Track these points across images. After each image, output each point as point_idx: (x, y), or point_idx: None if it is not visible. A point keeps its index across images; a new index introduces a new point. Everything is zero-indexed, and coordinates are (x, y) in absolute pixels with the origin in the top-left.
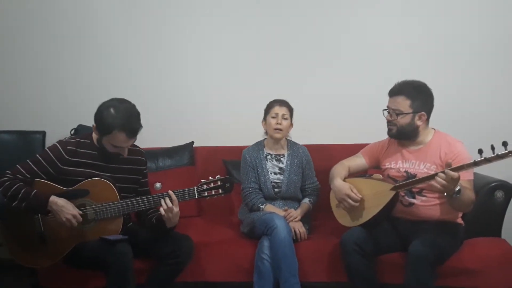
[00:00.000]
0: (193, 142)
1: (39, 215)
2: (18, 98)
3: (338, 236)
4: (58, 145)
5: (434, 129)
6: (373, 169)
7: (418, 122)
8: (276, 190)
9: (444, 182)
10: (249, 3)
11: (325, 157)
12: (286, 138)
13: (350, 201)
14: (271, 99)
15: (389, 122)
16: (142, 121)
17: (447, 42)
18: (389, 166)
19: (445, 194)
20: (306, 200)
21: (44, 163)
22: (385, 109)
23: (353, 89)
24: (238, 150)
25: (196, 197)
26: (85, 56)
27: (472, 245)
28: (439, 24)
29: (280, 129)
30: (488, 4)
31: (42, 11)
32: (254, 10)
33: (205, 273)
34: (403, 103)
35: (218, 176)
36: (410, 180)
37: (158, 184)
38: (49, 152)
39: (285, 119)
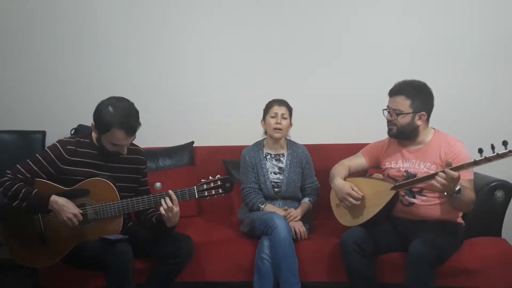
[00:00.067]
0: (193, 142)
1: (39, 215)
2: (18, 98)
3: (338, 236)
4: (58, 145)
5: (434, 128)
6: (373, 169)
7: (418, 122)
8: (276, 189)
9: (444, 181)
10: (249, 3)
11: (325, 157)
12: (285, 138)
13: (351, 199)
14: (271, 99)
15: (389, 122)
16: (142, 121)
17: (447, 42)
18: (389, 166)
19: (445, 193)
20: (306, 199)
21: (44, 162)
22: (385, 109)
23: (353, 89)
24: (238, 150)
25: (196, 196)
26: (85, 56)
27: (472, 245)
28: (439, 24)
29: (280, 129)
30: (488, 4)
31: (42, 11)
32: (254, 10)
33: (205, 273)
34: (403, 103)
35: (218, 176)
36: (410, 180)
37: (158, 184)
38: (49, 151)
39: (285, 118)
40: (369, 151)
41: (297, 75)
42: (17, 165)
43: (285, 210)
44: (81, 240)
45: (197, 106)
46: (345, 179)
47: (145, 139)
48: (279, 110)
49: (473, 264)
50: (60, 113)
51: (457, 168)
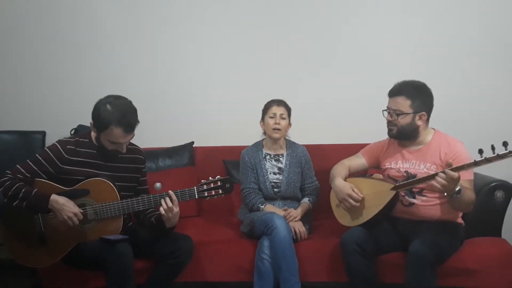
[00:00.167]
0: (193, 142)
1: (39, 215)
2: (18, 98)
3: (338, 236)
4: (58, 145)
5: (434, 129)
6: (373, 169)
7: (419, 122)
8: (275, 190)
9: (444, 182)
10: (249, 3)
11: (324, 157)
12: (285, 138)
13: (351, 201)
14: (270, 99)
15: (389, 123)
16: (142, 121)
17: (447, 42)
18: (389, 166)
19: (445, 194)
20: (306, 199)
21: (44, 162)
22: (385, 110)
23: (352, 89)
24: (238, 150)
25: (196, 197)
26: (85, 56)
27: (472, 245)
28: (439, 24)
29: (279, 129)
30: (488, 4)
31: (42, 11)
32: (254, 10)
33: (205, 273)
34: (403, 103)
35: (218, 176)
36: (411, 180)
37: (158, 184)
38: (48, 151)
39: (283, 118)
40: (369, 151)
41: (297, 75)
42: (17, 165)
43: (285, 210)
44: (81, 240)
45: (197, 106)
46: (345, 179)
47: (145, 139)
48: (277, 110)
49: (473, 264)
50: (60, 113)
51: (457, 169)
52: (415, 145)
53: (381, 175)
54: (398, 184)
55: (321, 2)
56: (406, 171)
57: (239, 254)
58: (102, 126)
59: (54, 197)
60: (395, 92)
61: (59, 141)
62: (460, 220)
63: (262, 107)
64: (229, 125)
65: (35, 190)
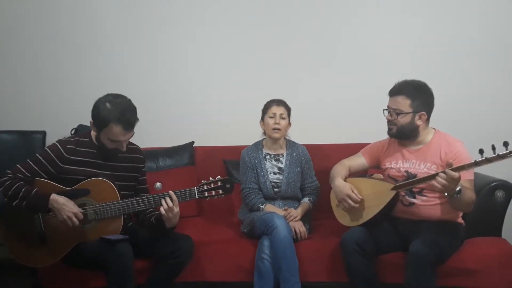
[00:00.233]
0: (193, 142)
1: (39, 214)
2: (18, 98)
3: (338, 236)
4: (58, 144)
5: (434, 129)
6: (374, 169)
7: (418, 122)
8: (275, 190)
9: (444, 182)
10: (249, 3)
11: (324, 156)
12: (285, 138)
13: (350, 201)
14: (270, 99)
15: (389, 122)
16: (143, 121)
17: (447, 42)
18: (389, 166)
19: (446, 194)
20: (306, 199)
21: (44, 162)
22: (385, 109)
23: (352, 89)
24: (239, 150)
25: (197, 197)
26: (85, 56)
27: (472, 245)
28: (439, 24)
29: (279, 129)
30: (488, 4)
31: (42, 11)
32: (254, 10)
33: (205, 273)
34: (403, 103)
35: (219, 176)
36: (411, 180)
37: (158, 184)
38: (49, 151)
39: (283, 118)
40: (369, 151)
41: (297, 75)
42: (17, 165)
43: (285, 210)
44: (81, 240)
45: (197, 106)
46: (345, 179)
47: (145, 139)
48: (277, 110)
49: (474, 264)
50: (60, 113)
51: (458, 169)
52: (415, 144)
53: (381, 175)
54: (398, 184)
55: (321, 2)
56: (406, 171)
57: (239, 254)
58: (102, 124)
59: (54, 196)
60: (395, 91)
61: (59, 141)
62: (460, 220)
63: (262, 107)
64: (229, 125)
65: (35, 190)
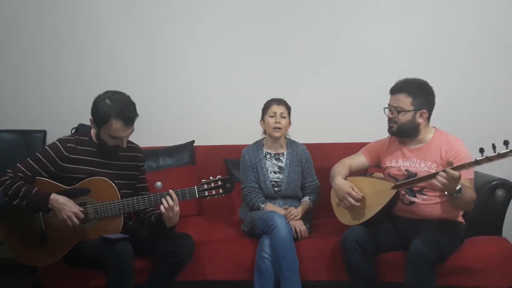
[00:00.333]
0: (193, 141)
1: (40, 213)
2: (18, 98)
3: (338, 235)
4: (58, 143)
5: (435, 127)
6: (374, 168)
7: (419, 120)
8: (276, 189)
9: (445, 181)
10: (249, 3)
11: (325, 155)
12: (285, 137)
13: (351, 200)
14: (270, 98)
15: (390, 120)
16: (143, 121)
17: (447, 42)
18: (389, 165)
19: (446, 193)
20: (306, 198)
21: (45, 160)
22: (386, 107)
23: (352, 89)
24: (239, 149)
25: (197, 196)
26: (85, 56)
27: (473, 244)
28: (439, 24)
29: (279, 128)
30: (488, 4)
31: (42, 11)
32: (254, 10)
33: (205, 272)
34: (404, 101)
35: (219, 176)
36: (411, 179)
37: (158, 183)
38: (49, 150)
39: (284, 117)
40: (370, 150)
41: (297, 75)
42: (18, 164)
43: (286, 209)
44: (81, 239)
45: (197, 106)
46: (346, 178)
47: (145, 138)
48: (277, 109)
49: (474, 263)
50: (61, 113)
51: (458, 168)
52: (416, 143)
53: (382, 174)
54: (398, 183)
55: (321, 2)
56: (406, 170)
57: (240, 253)
58: (102, 121)
59: (54, 196)
60: (396, 89)
61: (59, 140)
62: (460, 219)
63: (262, 106)
64: (229, 124)
65: (35, 189)
